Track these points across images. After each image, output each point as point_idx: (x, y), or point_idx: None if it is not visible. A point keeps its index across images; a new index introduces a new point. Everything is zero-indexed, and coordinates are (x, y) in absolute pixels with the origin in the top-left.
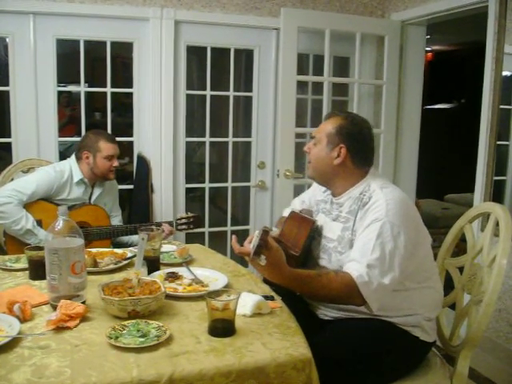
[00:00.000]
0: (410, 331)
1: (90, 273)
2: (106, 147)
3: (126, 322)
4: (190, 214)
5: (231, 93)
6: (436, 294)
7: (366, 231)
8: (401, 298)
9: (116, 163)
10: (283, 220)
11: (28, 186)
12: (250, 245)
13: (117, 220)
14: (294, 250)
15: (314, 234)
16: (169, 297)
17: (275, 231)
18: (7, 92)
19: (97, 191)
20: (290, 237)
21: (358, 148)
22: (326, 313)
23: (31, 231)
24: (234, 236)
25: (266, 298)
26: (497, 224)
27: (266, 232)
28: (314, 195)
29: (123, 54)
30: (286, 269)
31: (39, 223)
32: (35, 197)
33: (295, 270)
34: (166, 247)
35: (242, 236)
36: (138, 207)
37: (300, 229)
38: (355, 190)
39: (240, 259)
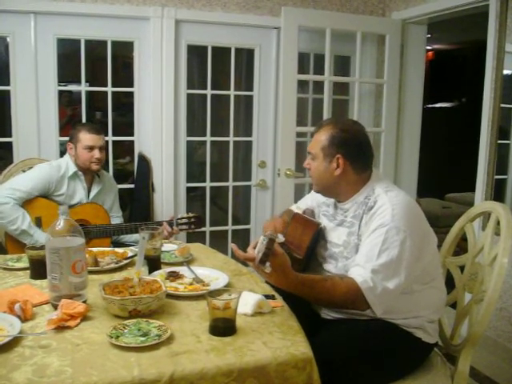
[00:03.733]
0: (413, 332)
1: (90, 272)
2: (85, 138)
3: (126, 322)
4: (190, 214)
5: (232, 92)
6: (440, 295)
7: (371, 236)
8: (405, 301)
9: (98, 155)
10: (290, 214)
11: (26, 184)
12: (255, 250)
13: (117, 221)
14: (297, 252)
15: (319, 237)
16: (170, 296)
17: (280, 239)
18: (8, 91)
19: (95, 188)
20: (293, 239)
21: (355, 153)
22: (329, 312)
23: (27, 232)
24: (233, 245)
25: (267, 297)
26: (498, 223)
27: (271, 240)
28: (316, 196)
29: (124, 53)
30: (291, 274)
31: (39, 220)
32: (34, 193)
33: (301, 274)
34: (166, 246)
35: (243, 235)
36: (138, 206)
37: (304, 232)
38: (360, 195)
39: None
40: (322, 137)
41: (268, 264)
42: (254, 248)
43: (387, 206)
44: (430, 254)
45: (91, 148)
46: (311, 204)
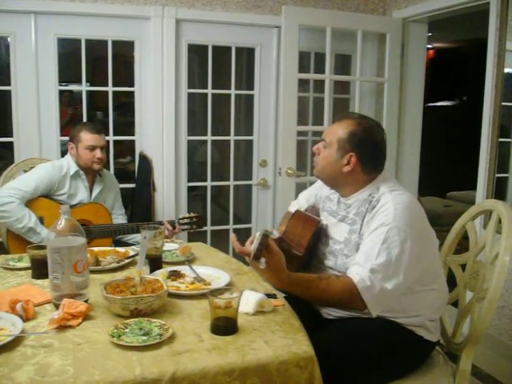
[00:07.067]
0: (414, 331)
1: (92, 271)
2: (86, 138)
3: (128, 321)
4: (192, 214)
5: (233, 91)
6: (441, 295)
7: (372, 235)
8: (406, 301)
9: (99, 155)
10: (289, 216)
11: (29, 184)
12: (251, 246)
13: (121, 218)
14: (297, 249)
15: (319, 233)
16: (171, 295)
17: (275, 235)
18: (9, 91)
19: (97, 188)
20: (294, 236)
21: (370, 156)
22: (330, 312)
23: (33, 229)
24: (233, 235)
25: (269, 295)
26: (499, 221)
27: (265, 236)
28: (321, 190)
29: (124, 52)
30: (284, 273)
31: (41, 220)
32: (37, 193)
33: (295, 274)
34: (168, 246)
35: (244, 234)
36: (140, 206)
37: (304, 228)
38: (364, 192)
39: (242, 257)
40: (343, 129)
41: (263, 260)
42: (252, 243)
43: (390, 205)
44: (430, 255)
45: (93, 148)
46: (315, 197)
